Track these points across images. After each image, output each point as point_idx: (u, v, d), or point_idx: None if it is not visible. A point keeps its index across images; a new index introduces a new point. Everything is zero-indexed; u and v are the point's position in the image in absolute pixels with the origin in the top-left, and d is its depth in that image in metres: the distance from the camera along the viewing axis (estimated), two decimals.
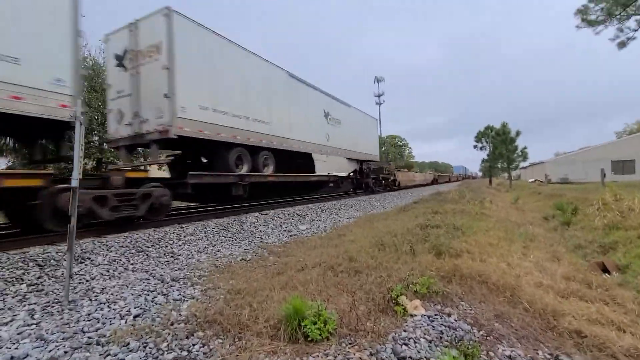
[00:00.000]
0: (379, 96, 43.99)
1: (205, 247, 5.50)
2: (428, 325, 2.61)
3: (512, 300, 3.24)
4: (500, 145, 31.42)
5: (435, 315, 2.80)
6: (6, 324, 2.69)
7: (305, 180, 12.49)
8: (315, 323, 2.34)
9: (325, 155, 13.53)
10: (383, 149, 54.35)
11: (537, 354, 2.35)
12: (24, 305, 3.06)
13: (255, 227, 7.25)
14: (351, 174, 17.23)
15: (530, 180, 43.42)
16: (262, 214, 8.66)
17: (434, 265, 3.95)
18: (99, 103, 12.93)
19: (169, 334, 2.37)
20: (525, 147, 31.19)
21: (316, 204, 11.71)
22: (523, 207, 14.76)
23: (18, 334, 2.49)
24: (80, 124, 3.12)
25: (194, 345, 2.23)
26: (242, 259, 4.72)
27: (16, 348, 2.24)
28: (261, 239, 6.37)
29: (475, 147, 37.84)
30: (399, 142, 61.81)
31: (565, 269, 4.41)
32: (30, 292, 3.39)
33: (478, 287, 3.47)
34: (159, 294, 3.27)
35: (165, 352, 2.14)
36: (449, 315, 2.82)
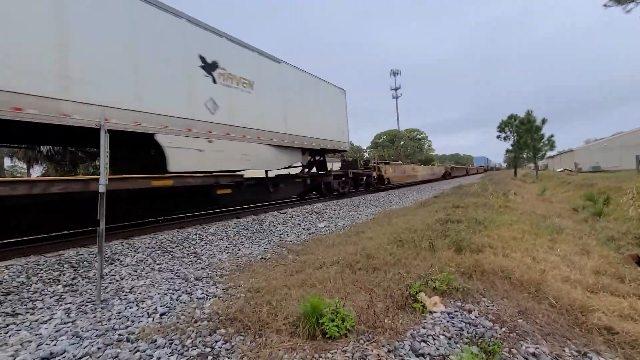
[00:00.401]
0: (395, 89, 43.34)
1: (227, 247, 5.64)
2: (448, 322, 2.58)
3: (537, 296, 3.13)
4: (525, 135, 30.20)
5: (455, 311, 2.76)
6: (45, 322, 2.89)
7: (132, 187, 6.04)
8: (333, 320, 2.37)
9: (204, 140, 7.61)
10: (402, 142, 53.53)
11: (564, 351, 2.27)
12: (61, 305, 3.28)
13: (274, 226, 7.36)
14: (305, 171, 12.39)
15: (558, 170, 41.51)
16: (280, 213, 8.77)
17: (454, 261, 3.88)
18: None
19: (193, 331, 2.47)
20: (552, 136, 29.85)
21: (334, 202, 11.72)
22: (550, 199, 14.16)
23: (56, 331, 2.67)
24: (105, 133, 3.28)
25: (216, 342, 2.31)
26: (262, 258, 4.82)
27: (55, 344, 2.41)
28: (280, 237, 6.46)
29: (498, 137, 36.56)
30: (417, 136, 60.61)
31: (595, 262, 4.20)
32: (66, 292, 3.61)
33: (500, 282, 3.38)
34: (183, 292, 3.40)
35: (190, 349, 2.23)
36: (470, 311, 2.77)
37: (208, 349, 2.23)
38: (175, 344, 2.29)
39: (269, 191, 10.38)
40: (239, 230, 6.76)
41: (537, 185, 21.52)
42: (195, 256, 5.07)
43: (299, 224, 7.74)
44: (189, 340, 2.33)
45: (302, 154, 11.61)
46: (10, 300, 3.36)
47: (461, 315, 2.70)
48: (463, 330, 2.45)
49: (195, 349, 2.22)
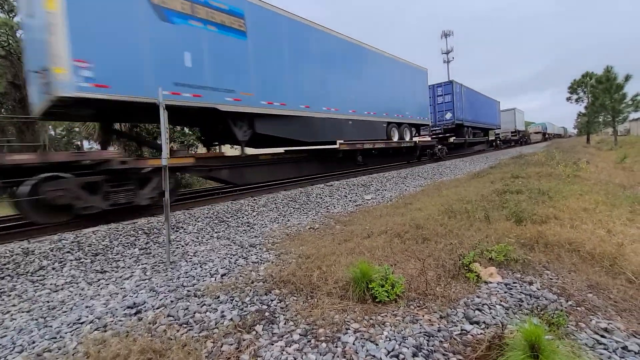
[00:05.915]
0: (447, 53, 39.71)
1: (277, 218, 5.90)
2: (505, 292, 2.46)
3: (612, 271, 2.83)
4: (603, 95, 26.31)
5: (514, 283, 2.62)
6: (127, 278, 3.34)
7: None
8: (382, 286, 2.39)
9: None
10: None
11: None
12: (138, 265, 3.74)
13: (321, 198, 7.49)
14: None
15: None
16: (327, 185, 8.87)
17: (513, 232, 3.64)
18: None
19: (250, 290, 2.67)
20: (637, 94, 25.61)
21: (380, 174, 11.50)
22: (632, 167, 12.39)
23: (136, 286, 3.07)
24: (164, 109, 3.51)
25: (272, 300, 2.48)
26: (310, 228, 4.96)
27: (136, 296, 2.78)
28: (327, 209, 6.57)
29: (568, 99, 32.43)
30: None
31: None
32: (142, 255, 4.10)
33: (567, 255, 3.11)
34: (239, 257, 3.66)
35: (249, 305, 2.42)
36: (531, 283, 2.61)
37: (265, 307, 2.40)
38: (236, 301, 2.50)
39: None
40: (287, 202, 7.00)
41: (616, 152, 18.91)
42: (248, 225, 5.39)
43: (346, 196, 7.78)
44: (248, 298, 2.53)
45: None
46: (98, 260, 3.92)
47: (520, 286, 2.55)
48: (523, 301, 2.33)
49: (253, 306, 2.41)
